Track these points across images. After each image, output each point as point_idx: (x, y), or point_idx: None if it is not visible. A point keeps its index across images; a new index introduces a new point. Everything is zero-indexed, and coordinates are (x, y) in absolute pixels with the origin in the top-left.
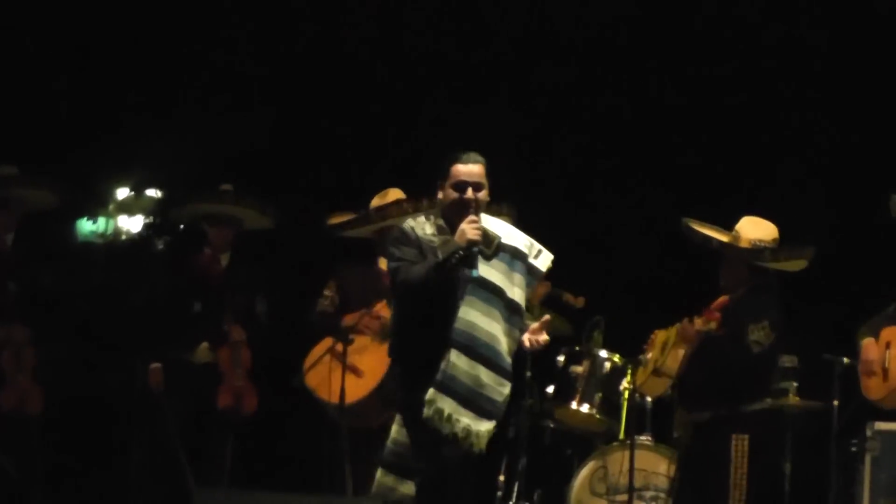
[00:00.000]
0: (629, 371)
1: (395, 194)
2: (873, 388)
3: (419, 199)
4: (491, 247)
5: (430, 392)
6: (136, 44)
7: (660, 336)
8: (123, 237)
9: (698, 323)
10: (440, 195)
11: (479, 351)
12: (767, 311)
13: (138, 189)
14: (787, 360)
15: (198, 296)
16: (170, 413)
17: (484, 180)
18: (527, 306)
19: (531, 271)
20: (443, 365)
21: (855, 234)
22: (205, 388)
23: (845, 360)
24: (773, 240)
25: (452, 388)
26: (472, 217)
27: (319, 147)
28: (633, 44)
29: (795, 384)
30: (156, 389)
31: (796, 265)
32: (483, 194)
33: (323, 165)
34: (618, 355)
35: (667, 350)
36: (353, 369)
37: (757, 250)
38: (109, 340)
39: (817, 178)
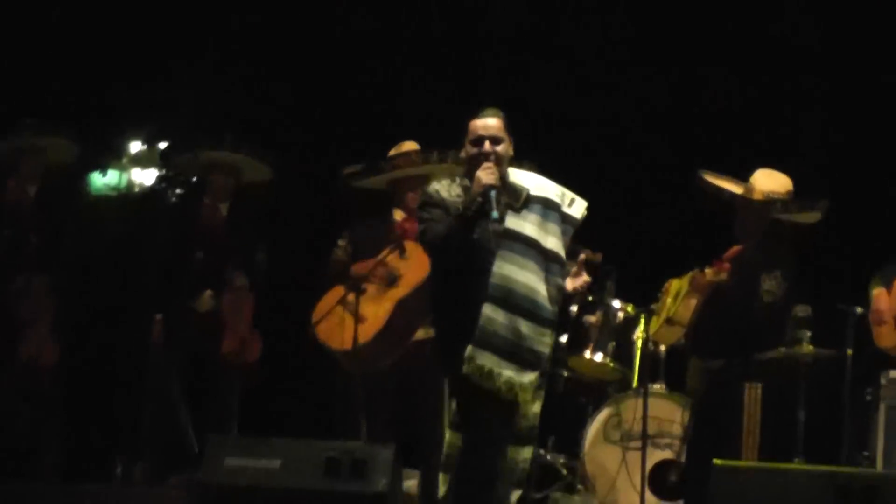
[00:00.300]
0: (642, 320)
1: (409, 146)
2: (885, 337)
3: (430, 150)
4: (519, 199)
5: (469, 349)
6: None
7: (673, 285)
8: (136, 190)
9: (709, 273)
10: (462, 154)
11: (517, 303)
12: (780, 262)
13: (151, 142)
14: (801, 310)
15: (199, 244)
16: (171, 363)
17: (502, 133)
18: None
19: (566, 220)
20: (480, 321)
21: (868, 184)
22: (209, 336)
23: (859, 309)
24: (787, 192)
25: (491, 343)
26: (486, 164)
27: (329, 100)
28: None
29: (809, 333)
30: (156, 340)
31: (810, 217)
32: (502, 147)
33: (333, 118)
34: (631, 305)
35: (679, 299)
36: (358, 314)
37: (769, 202)
38: (123, 293)
39: (832, 127)
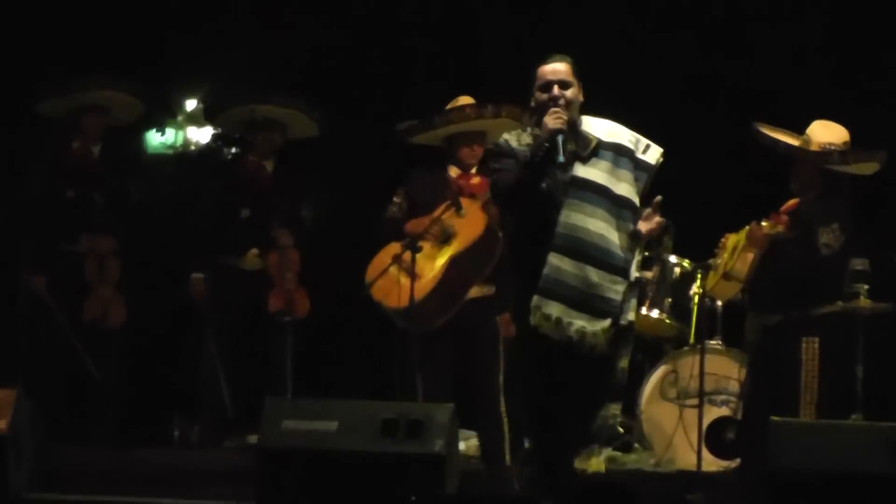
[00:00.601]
0: (699, 275)
1: (465, 101)
2: None
3: (484, 104)
4: (588, 147)
5: (535, 298)
6: None
7: (731, 239)
8: (193, 148)
9: (766, 226)
10: (532, 103)
11: (585, 251)
12: (837, 214)
13: (207, 100)
14: (859, 263)
15: (245, 202)
16: (214, 322)
17: (571, 78)
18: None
19: (639, 166)
20: (545, 270)
21: None
22: (256, 294)
23: None
24: (844, 143)
25: (558, 292)
26: (553, 109)
27: (380, 54)
28: None
29: (867, 287)
30: (199, 299)
31: (868, 168)
32: (571, 92)
33: (382, 73)
34: (687, 260)
35: (736, 253)
36: (413, 272)
37: (826, 153)
38: (179, 253)
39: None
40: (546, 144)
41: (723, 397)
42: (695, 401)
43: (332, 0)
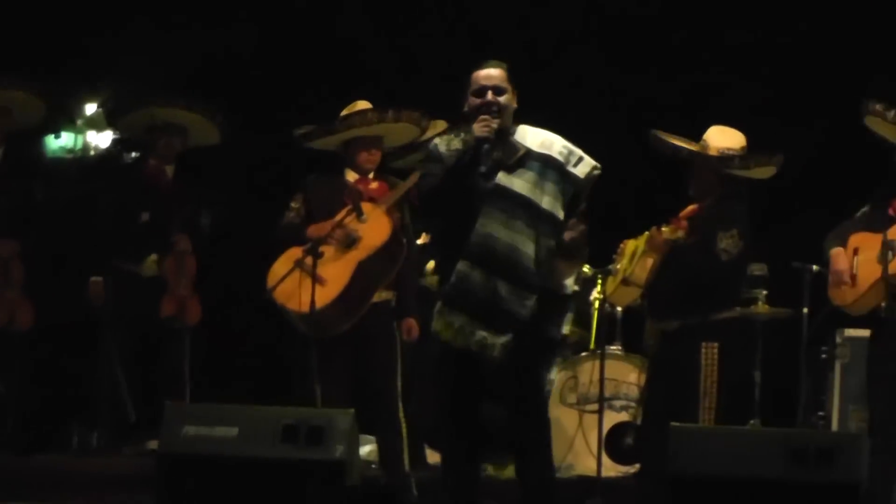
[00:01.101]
0: (599, 281)
1: (362, 105)
2: (842, 295)
3: (385, 109)
4: (513, 156)
5: (439, 304)
6: None
7: (629, 245)
8: (92, 153)
9: (666, 231)
10: (465, 108)
11: (496, 263)
12: (736, 220)
13: (107, 104)
14: (757, 269)
15: (145, 206)
16: (114, 328)
17: (506, 84)
18: None
19: (567, 179)
20: (453, 277)
21: (822, 143)
22: (153, 300)
23: (815, 267)
24: (742, 148)
25: (464, 301)
26: (482, 117)
27: (279, 59)
28: None
29: (765, 292)
30: (95, 303)
31: (765, 172)
32: (505, 98)
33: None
34: (587, 265)
35: (636, 259)
36: (317, 276)
37: (726, 158)
38: (82, 255)
39: (786, 86)
40: (470, 153)
41: (622, 402)
42: (595, 406)
43: (232, 5)
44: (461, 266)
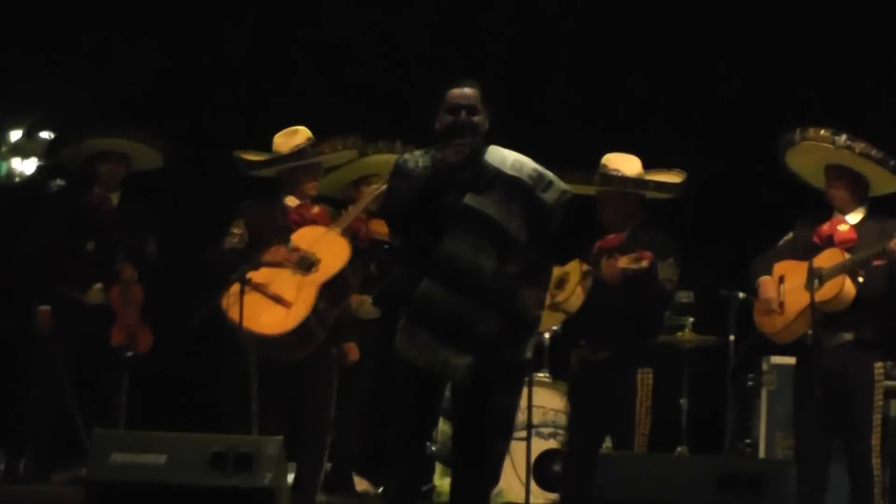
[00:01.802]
0: None
1: (304, 134)
2: (769, 322)
3: (331, 140)
4: (483, 177)
5: (403, 321)
6: None
7: (554, 272)
8: (17, 179)
9: (623, 261)
10: (437, 125)
11: (461, 281)
12: (669, 248)
13: (31, 131)
14: (683, 296)
15: (90, 235)
16: (60, 355)
17: (479, 104)
18: None
19: (535, 203)
20: (418, 295)
21: (744, 168)
22: (98, 329)
23: (741, 294)
24: (639, 173)
25: (428, 319)
26: (457, 142)
27: (207, 87)
28: None
29: (691, 319)
30: (45, 331)
31: (676, 189)
32: (478, 118)
33: (210, 105)
34: None
35: (568, 287)
36: (279, 300)
37: (643, 180)
38: (4, 282)
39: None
40: (440, 176)
41: (550, 429)
42: (523, 433)
43: (166, 27)
44: (426, 284)
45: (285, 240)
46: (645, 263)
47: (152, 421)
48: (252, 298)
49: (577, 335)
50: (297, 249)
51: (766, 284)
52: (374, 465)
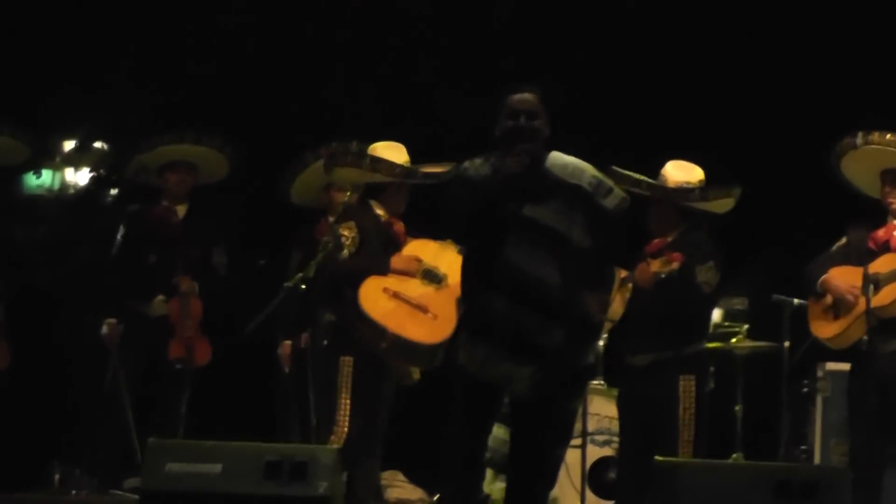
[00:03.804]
0: None
1: (404, 151)
2: (824, 328)
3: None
4: (543, 185)
5: (464, 335)
6: None
7: None
8: (71, 190)
9: (655, 265)
10: (497, 131)
11: (522, 292)
12: (709, 252)
13: (85, 142)
14: (737, 303)
15: (153, 248)
16: (121, 367)
17: (539, 110)
18: None
19: (596, 210)
20: (478, 307)
21: (798, 177)
22: (159, 341)
23: (795, 300)
24: (699, 181)
25: (488, 332)
26: (518, 148)
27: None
28: None
29: (746, 326)
30: (109, 344)
31: (724, 205)
32: (539, 124)
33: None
34: None
35: (613, 293)
36: (423, 309)
37: (686, 190)
38: (61, 294)
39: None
40: (500, 186)
41: (605, 437)
42: (578, 441)
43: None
44: (487, 296)
45: (394, 248)
46: (675, 265)
47: (209, 431)
48: (393, 304)
49: (621, 342)
50: (420, 260)
51: (832, 279)
52: (429, 474)
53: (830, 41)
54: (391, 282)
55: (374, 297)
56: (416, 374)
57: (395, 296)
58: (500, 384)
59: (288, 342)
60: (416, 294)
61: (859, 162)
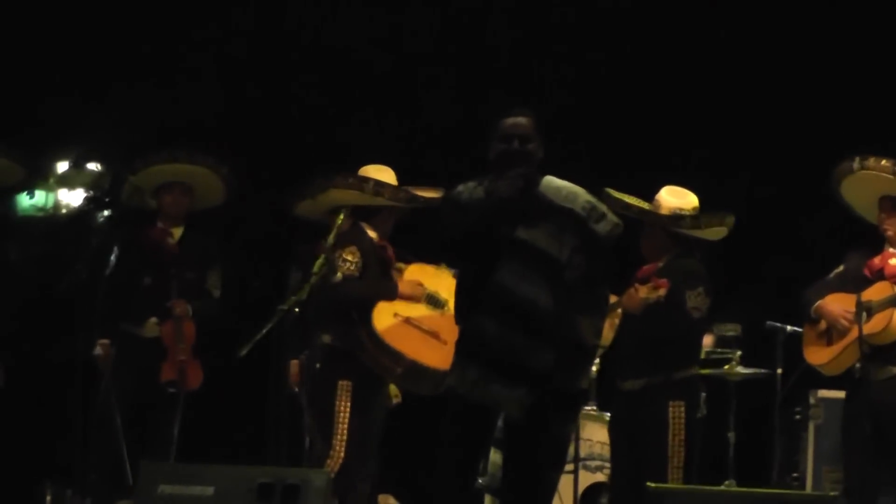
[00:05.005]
0: None
1: (377, 172)
2: (817, 355)
3: (396, 189)
4: (536, 208)
5: (455, 358)
6: (74, 14)
7: None
8: (64, 211)
9: (643, 291)
10: (490, 154)
11: (513, 315)
12: (700, 277)
13: (78, 162)
14: (730, 329)
15: (148, 270)
16: (113, 388)
17: (532, 133)
18: None
19: (588, 235)
20: (470, 329)
21: (792, 203)
22: (152, 363)
23: (788, 327)
24: (693, 208)
25: (479, 353)
26: (509, 172)
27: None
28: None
29: (739, 353)
30: (102, 365)
31: (716, 233)
32: (532, 147)
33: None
34: None
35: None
36: (435, 335)
37: (678, 217)
38: (53, 314)
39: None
40: (493, 211)
41: (597, 463)
42: (570, 466)
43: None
44: (479, 318)
45: (389, 272)
46: (662, 292)
47: (201, 454)
48: (407, 330)
49: (611, 367)
50: (420, 284)
51: (826, 305)
52: (421, 498)
53: (829, 63)
54: (400, 307)
55: (389, 322)
56: (397, 396)
57: (408, 321)
58: (492, 406)
59: (296, 361)
60: (426, 319)
61: (857, 187)
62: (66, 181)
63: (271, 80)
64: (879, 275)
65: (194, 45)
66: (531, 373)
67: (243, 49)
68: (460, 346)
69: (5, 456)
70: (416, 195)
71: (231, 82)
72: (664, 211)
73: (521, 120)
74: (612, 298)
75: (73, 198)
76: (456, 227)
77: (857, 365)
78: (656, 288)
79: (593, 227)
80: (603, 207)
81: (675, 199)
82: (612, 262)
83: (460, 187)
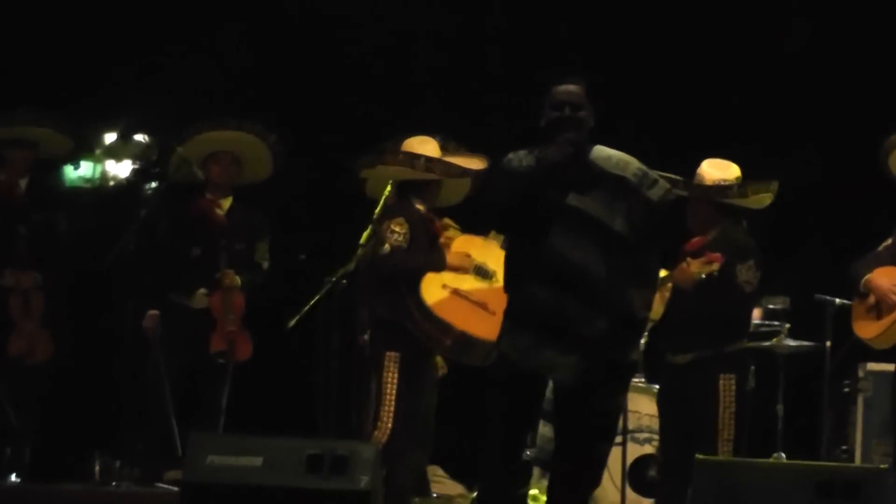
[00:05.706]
0: None
1: (420, 144)
2: (866, 328)
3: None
4: (587, 175)
5: (506, 324)
6: None
7: None
8: (111, 182)
9: (695, 265)
10: (541, 122)
11: (566, 282)
12: (751, 250)
13: (126, 134)
14: (779, 302)
15: (197, 241)
16: (162, 360)
17: (584, 101)
18: None
19: (640, 201)
20: (522, 296)
21: (841, 175)
22: (201, 334)
23: (837, 300)
24: (736, 178)
25: (531, 321)
26: (560, 138)
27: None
28: None
29: (787, 325)
30: (150, 335)
31: (762, 200)
32: (583, 115)
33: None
34: None
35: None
36: (483, 307)
37: (724, 187)
38: (102, 285)
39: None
40: (543, 175)
41: (645, 435)
42: (618, 438)
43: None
44: (531, 285)
45: (437, 244)
46: (715, 266)
47: (249, 425)
48: (455, 301)
49: (661, 341)
50: (469, 256)
51: (876, 279)
52: (469, 469)
53: (880, 32)
54: (448, 278)
55: (437, 294)
56: (443, 367)
57: (456, 293)
58: (543, 373)
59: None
60: (474, 291)
61: None
62: (114, 153)
63: (321, 50)
64: None
65: (240, 14)
66: (584, 339)
67: (293, 17)
68: (510, 313)
69: (55, 427)
70: (467, 169)
71: (277, 52)
72: (709, 182)
73: (573, 87)
74: (662, 273)
75: (120, 169)
76: (506, 194)
77: None
78: (709, 263)
79: (646, 193)
80: (654, 174)
81: (718, 171)
82: (668, 228)
83: (510, 155)
